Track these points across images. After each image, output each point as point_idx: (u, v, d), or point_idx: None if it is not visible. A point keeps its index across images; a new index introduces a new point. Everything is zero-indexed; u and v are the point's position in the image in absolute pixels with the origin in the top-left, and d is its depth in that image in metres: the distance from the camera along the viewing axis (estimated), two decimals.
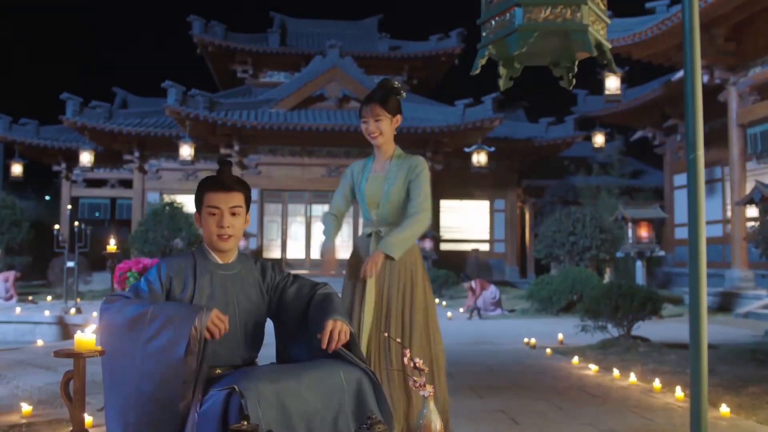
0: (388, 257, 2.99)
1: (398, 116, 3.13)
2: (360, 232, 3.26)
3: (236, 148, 18.50)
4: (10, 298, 12.91)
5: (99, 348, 2.39)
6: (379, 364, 2.98)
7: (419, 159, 3.15)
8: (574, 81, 2.41)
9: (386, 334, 2.92)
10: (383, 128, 3.08)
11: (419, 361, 2.30)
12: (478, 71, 2.34)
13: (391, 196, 3.08)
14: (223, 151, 18.56)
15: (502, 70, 2.37)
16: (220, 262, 2.48)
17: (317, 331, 2.30)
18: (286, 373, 2.17)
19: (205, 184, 2.47)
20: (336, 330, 2.28)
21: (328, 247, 3.18)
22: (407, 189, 3.08)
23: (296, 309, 2.51)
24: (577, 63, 2.40)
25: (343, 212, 3.29)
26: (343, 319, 2.33)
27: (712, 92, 12.80)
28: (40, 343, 8.10)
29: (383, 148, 3.15)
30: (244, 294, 2.48)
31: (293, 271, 2.74)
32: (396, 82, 3.15)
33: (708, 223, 14.01)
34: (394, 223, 3.08)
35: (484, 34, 2.34)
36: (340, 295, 2.65)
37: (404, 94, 3.17)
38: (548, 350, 6.93)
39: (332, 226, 3.23)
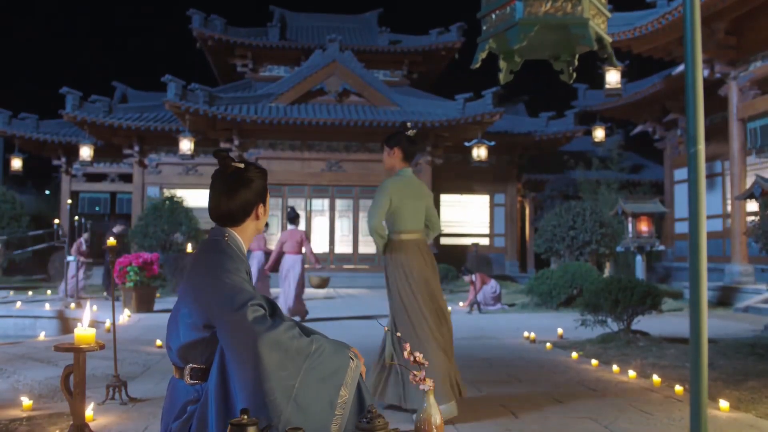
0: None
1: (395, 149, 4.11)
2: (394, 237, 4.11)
3: (236, 142, 18.49)
4: None
5: (100, 342, 2.38)
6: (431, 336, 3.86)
7: None
8: (574, 75, 2.41)
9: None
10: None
11: (419, 356, 2.31)
12: (478, 65, 2.34)
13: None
14: (222, 145, 18.55)
15: (502, 64, 2.37)
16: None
17: None
18: None
19: (265, 173, 2.35)
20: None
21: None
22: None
23: None
24: (577, 57, 2.40)
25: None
26: None
27: (712, 86, 12.80)
28: (40, 337, 8.11)
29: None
30: None
31: None
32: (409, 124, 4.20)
33: (708, 217, 14.01)
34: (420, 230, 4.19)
35: (484, 27, 2.34)
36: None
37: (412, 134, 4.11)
38: (548, 344, 6.93)
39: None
